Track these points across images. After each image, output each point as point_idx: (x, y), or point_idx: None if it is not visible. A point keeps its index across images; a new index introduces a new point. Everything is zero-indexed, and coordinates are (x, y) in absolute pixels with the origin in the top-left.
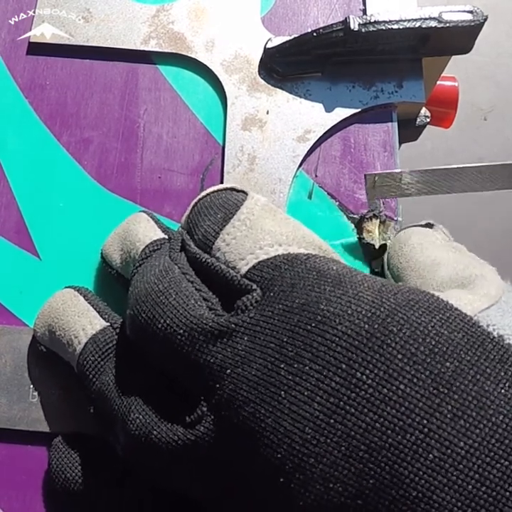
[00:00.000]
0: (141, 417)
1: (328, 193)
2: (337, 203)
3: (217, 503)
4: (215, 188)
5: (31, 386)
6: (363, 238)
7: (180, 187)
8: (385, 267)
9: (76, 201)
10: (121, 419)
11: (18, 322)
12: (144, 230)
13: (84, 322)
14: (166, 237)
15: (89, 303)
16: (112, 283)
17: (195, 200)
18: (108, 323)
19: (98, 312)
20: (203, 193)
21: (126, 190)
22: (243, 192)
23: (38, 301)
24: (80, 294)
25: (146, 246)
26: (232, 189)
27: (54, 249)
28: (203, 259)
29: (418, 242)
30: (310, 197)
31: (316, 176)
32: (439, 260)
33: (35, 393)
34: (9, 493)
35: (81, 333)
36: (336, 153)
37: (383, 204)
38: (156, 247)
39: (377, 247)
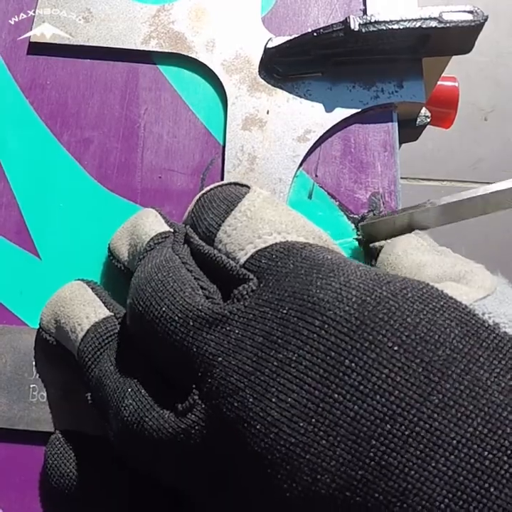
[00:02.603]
0: (134, 403)
1: (329, 193)
2: (337, 202)
3: (205, 499)
4: (218, 183)
5: (31, 386)
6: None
7: (180, 187)
8: None
9: (76, 201)
10: (116, 405)
11: (19, 322)
12: (151, 224)
13: (89, 310)
14: (172, 230)
15: (96, 294)
16: (113, 281)
17: (198, 195)
18: (112, 313)
19: (103, 303)
20: (206, 189)
21: (126, 190)
22: (246, 186)
23: (38, 301)
24: (89, 286)
25: (151, 238)
26: (235, 184)
27: (54, 249)
28: (205, 251)
29: (402, 249)
30: (310, 197)
31: (316, 175)
32: (424, 262)
33: (35, 393)
34: (9, 493)
35: (84, 320)
36: (336, 153)
37: (383, 204)
38: (160, 240)
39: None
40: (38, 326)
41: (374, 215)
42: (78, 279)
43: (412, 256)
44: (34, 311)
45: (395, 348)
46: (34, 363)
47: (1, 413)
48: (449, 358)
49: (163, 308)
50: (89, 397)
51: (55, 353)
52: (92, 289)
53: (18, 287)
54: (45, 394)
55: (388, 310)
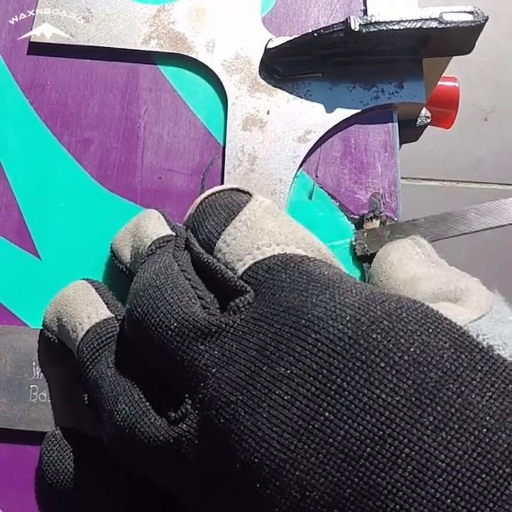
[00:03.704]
0: (127, 408)
1: (329, 194)
2: (337, 203)
3: (198, 502)
4: (220, 187)
5: (31, 386)
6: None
7: (180, 187)
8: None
9: (76, 201)
10: (109, 409)
11: (18, 322)
12: (154, 226)
13: (91, 310)
14: (174, 234)
15: (100, 294)
16: (113, 281)
17: (200, 199)
18: (113, 315)
19: (106, 303)
20: (208, 192)
21: (126, 190)
22: (248, 193)
23: (38, 301)
24: (93, 286)
25: (153, 242)
26: (237, 190)
27: (54, 250)
28: (204, 259)
29: (397, 258)
30: (310, 197)
31: (316, 176)
32: (419, 275)
33: (35, 393)
34: (9, 493)
35: (86, 320)
36: (336, 154)
37: (383, 204)
38: (162, 244)
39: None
40: (38, 326)
41: (374, 215)
42: (83, 279)
43: (407, 267)
44: (34, 312)
45: (387, 368)
46: (34, 363)
47: (1, 413)
48: (441, 381)
49: (160, 316)
50: (86, 398)
51: (57, 351)
52: (96, 289)
53: (18, 287)
54: (45, 394)
55: (382, 330)
